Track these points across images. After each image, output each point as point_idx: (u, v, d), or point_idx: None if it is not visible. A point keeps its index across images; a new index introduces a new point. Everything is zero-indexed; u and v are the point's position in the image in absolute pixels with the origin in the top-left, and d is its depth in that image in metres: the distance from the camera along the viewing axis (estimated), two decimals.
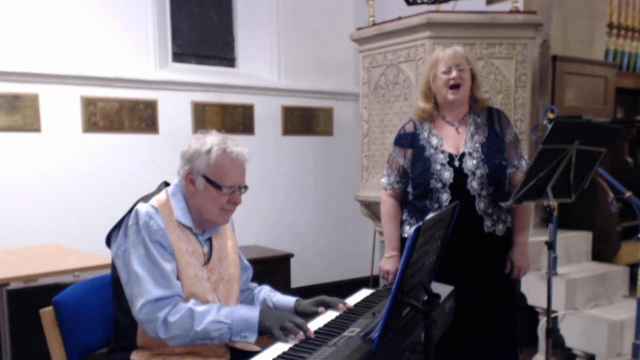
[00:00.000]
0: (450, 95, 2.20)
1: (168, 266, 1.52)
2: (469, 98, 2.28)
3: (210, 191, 1.59)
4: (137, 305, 1.49)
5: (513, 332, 2.34)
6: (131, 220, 1.55)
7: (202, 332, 1.49)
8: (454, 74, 2.18)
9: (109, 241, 1.65)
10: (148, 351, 1.58)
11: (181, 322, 1.48)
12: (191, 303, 1.52)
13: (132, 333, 1.58)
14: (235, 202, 1.63)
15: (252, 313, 1.53)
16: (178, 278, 1.56)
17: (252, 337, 1.51)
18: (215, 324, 1.49)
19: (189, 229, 1.62)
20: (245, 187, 1.65)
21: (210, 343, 1.53)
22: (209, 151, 1.58)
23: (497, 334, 2.28)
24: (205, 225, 1.67)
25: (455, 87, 2.19)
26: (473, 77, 2.25)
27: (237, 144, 1.63)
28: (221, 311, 1.52)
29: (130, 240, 1.54)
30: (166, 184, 1.72)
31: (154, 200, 1.59)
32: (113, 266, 1.63)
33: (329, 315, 1.62)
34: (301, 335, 1.41)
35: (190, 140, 1.64)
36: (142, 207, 1.55)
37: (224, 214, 1.64)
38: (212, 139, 1.61)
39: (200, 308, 1.52)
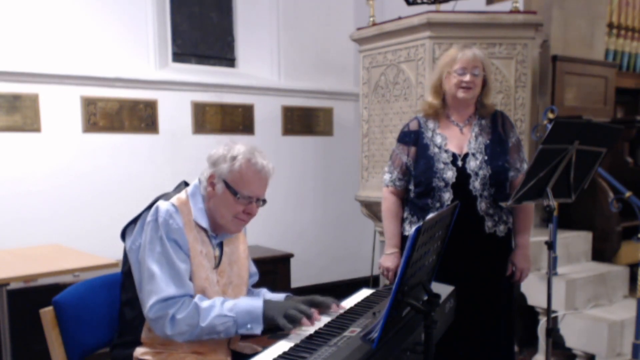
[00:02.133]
0: (461, 93, 2.19)
1: (182, 266, 1.54)
2: (476, 102, 2.29)
3: (227, 197, 1.59)
4: (149, 304, 1.50)
5: (510, 331, 2.36)
6: (150, 216, 1.56)
7: (208, 327, 1.50)
8: (468, 77, 2.17)
9: (124, 235, 1.66)
10: (152, 348, 1.58)
11: (187, 318, 1.50)
12: (197, 299, 1.54)
13: (138, 327, 1.59)
14: (250, 213, 1.64)
15: (255, 304, 1.54)
16: (190, 278, 1.57)
17: (258, 329, 1.52)
18: (220, 318, 1.51)
19: (205, 231, 1.63)
20: (264, 201, 1.66)
21: (217, 337, 1.54)
22: (234, 157, 1.59)
23: (495, 333, 2.29)
24: (219, 230, 1.68)
25: (466, 88, 2.19)
26: (484, 82, 2.25)
27: (264, 156, 1.65)
28: (225, 305, 1.53)
29: (147, 236, 1.55)
30: (186, 184, 1.73)
31: (174, 199, 1.60)
32: (125, 259, 1.64)
33: (328, 317, 1.60)
34: (306, 321, 1.42)
35: (220, 145, 1.65)
36: (163, 205, 1.56)
37: (237, 223, 1.64)
38: (241, 147, 1.62)
39: (205, 303, 1.53)
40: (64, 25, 3.68)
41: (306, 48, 4.76)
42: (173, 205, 1.57)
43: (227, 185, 1.59)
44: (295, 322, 1.45)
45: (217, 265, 1.68)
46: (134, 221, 1.64)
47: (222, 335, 1.54)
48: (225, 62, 4.69)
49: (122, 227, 1.67)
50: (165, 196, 1.64)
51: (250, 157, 1.60)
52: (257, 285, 1.94)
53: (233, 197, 1.59)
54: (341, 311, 1.64)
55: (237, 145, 1.63)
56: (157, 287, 1.50)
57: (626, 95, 4.80)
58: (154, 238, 1.54)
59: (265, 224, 4.56)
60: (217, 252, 1.69)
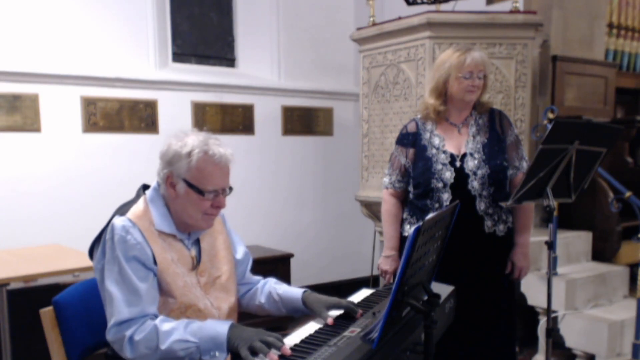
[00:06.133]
0: (468, 96, 2.20)
1: (142, 285, 1.46)
2: (475, 101, 2.29)
3: (192, 196, 1.51)
4: (108, 325, 1.45)
5: (512, 331, 2.35)
6: (107, 235, 1.49)
7: (167, 352, 1.40)
8: (476, 82, 2.18)
9: (91, 254, 1.58)
10: None
11: (146, 340, 1.41)
12: (158, 320, 1.45)
13: None
14: (219, 206, 1.56)
15: (220, 330, 1.42)
16: (166, 291, 1.51)
17: (222, 356, 1.42)
18: (181, 343, 1.41)
19: (173, 235, 1.56)
20: (230, 189, 1.58)
21: None
22: (189, 154, 1.49)
23: (496, 334, 2.29)
24: (189, 229, 1.60)
25: (471, 91, 2.20)
26: (484, 83, 2.26)
27: (220, 143, 1.55)
28: (189, 328, 1.43)
29: (106, 256, 1.48)
30: (145, 187, 1.64)
31: (130, 213, 1.52)
32: None
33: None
34: (273, 355, 1.30)
35: (170, 140, 1.54)
36: (118, 221, 1.49)
37: (208, 219, 1.57)
38: (193, 140, 1.51)
39: (166, 326, 1.43)
40: (64, 25, 3.68)
41: (306, 48, 4.76)
42: (129, 220, 1.49)
43: (189, 184, 1.51)
44: (259, 354, 1.32)
45: (197, 264, 1.60)
46: (98, 238, 1.55)
47: None
48: (225, 62, 4.68)
49: (89, 246, 1.58)
50: (122, 209, 1.55)
51: (207, 149, 1.50)
52: (261, 276, 1.87)
53: (198, 195, 1.51)
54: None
55: (189, 139, 1.52)
56: (115, 309, 1.44)
57: (626, 95, 4.80)
58: (111, 258, 1.47)
59: (265, 224, 4.56)
60: (194, 252, 1.61)
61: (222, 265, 1.68)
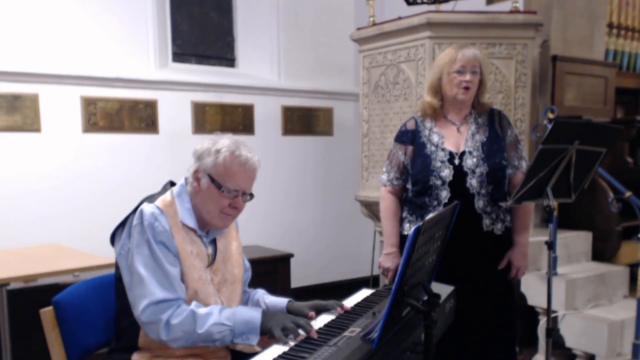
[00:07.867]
0: (461, 95, 2.21)
1: (172, 268, 1.52)
2: (473, 100, 2.30)
3: (212, 191, 1.58)
4: (140, 307, 1.48)
5: (512, 330, 2.35)
6: (135, 220, 1.54)
7: (204, 335, 1.49)
8: (468, 77, 2.18)
9: (112, 239, 1.64)
10: (149, 352, 1.57)
11: (183, 324, 1.48)
12: (193, 305, 1.52)
13: (134, 334, 1.57)
14: (236, 207, 1.61)
15: (253, 314, 1.52)
16: (182, 281, 1.55)
17: (254, 339, 1.50)
18: (217, 327, 1.49)
19: (194, 230, 1.61)
20: (251, 195, 1.64)
21: (212, 345, 1.52)
22: (218, 151, 1.58)
23: (495, 333, 2.29)
24: (207, 227, 1.66)
25: (466, 88, 2.20)
26: (481, 81, 2.26)
27: (250, 150, 1.62)
28: (223, 313, 1.52)
29: (134, 240, 1.53)
30: (172, 184, 1.71)
31: (159, 201, 1.58)
32: (117, 265, 1.62)
33: (328, 317, 1.61)
34: (301, 335, 1.41)
35: (205, 140, 1.64)
36: (147, 208, 1.54)
37: (224, 218, 1.62)
38: (225, 141, 1.60)
39: (202, 310, 1.51)
40: (64, 25, 3.68)
41: (306, 48, 4.76)
42: (157, 207, 1.55)
43: (212, 179, 1.57)
44: (291, 335, 1.44)
45: (212, 263, 1.66)
46: (121, 225, 1.61)
47: (217, 344, 1.52)
48: (225, 62, 4.69)
49: (111, 231, 1.65)
50: (150, 198, 1.61)
51: (235, 149, 1.58)
52: (256, 284, 1.92)
53: (218, 191, 1.57)
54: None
55: (222, 139, 1.61)
56: (147, 291, 1.48)
57: (626, 95, 4.80)
58: (141, 241, 1.52)
59: (265, 224, 4.56)
60: (210, 250, 1.67)
61: (234, 268, 1.74)
